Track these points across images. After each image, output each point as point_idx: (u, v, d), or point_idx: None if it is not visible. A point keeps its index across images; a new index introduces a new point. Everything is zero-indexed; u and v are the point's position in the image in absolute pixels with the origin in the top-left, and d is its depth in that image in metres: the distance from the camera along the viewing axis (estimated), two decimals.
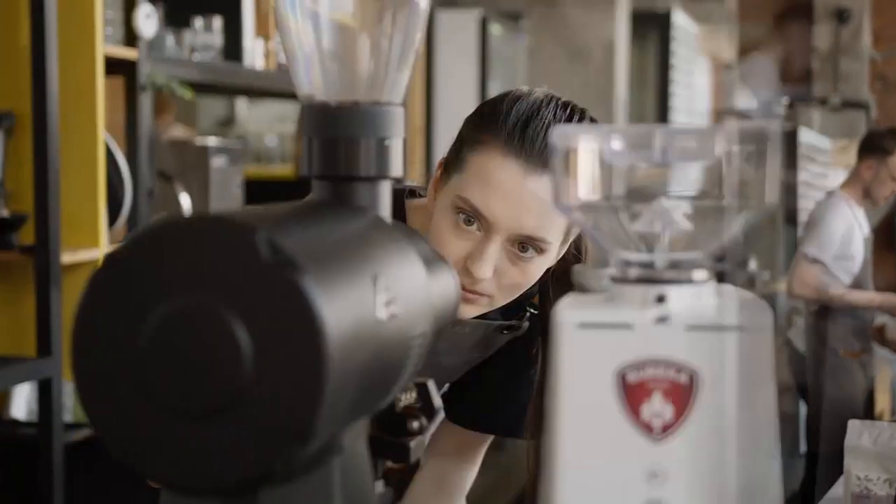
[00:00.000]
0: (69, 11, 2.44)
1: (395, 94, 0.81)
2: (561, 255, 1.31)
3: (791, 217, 7.03)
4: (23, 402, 2.81)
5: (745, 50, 9.95)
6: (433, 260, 0.86)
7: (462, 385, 1.47)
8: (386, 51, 0.80)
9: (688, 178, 0.73)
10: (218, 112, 5.52)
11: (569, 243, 1.32)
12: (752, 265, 5.23)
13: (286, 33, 0.80)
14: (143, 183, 2.62)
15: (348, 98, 0.79)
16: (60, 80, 2.38)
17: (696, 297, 0.70)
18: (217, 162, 3.02)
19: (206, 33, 2.95)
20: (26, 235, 2.38)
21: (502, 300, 1.28)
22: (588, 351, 0.68)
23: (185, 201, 2.83)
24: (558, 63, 5.57)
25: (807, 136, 6.94)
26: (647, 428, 0.68)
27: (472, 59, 5.79)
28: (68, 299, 2.36)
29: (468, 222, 1.22)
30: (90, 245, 2.47)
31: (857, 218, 4.34)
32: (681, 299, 0.69)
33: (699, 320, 0.68)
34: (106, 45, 2.54)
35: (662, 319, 0.68)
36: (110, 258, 0.64)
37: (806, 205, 7.17)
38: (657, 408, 0.68)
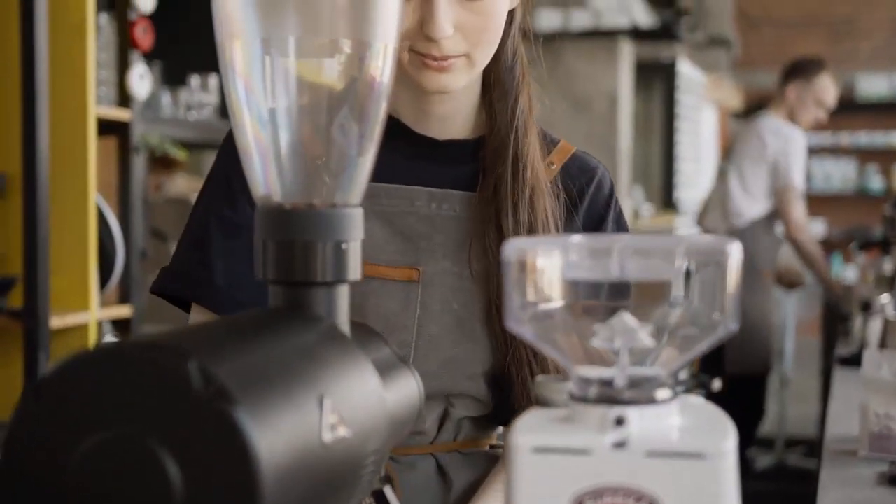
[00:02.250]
0: (61, 73, 2.43)
1: (354, 195, 0.78)
2: None
3: (668, 147, 7.09)
4: None
5: (750, 97, 9.98)
6: (392, 365, 0.83)
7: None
8: (344, 149, 0.78)
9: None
10: None
11: None
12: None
13: (240, 130, 0.77)
14: (135, 244, 2.60)
15: (305, 200, 0.76)
16: (52, 141, 2.37)
17: (658, 419, 0.66)
18: None
19: (202, 91, 2.94)
20: (15, 299, 2.36)
21: (482, 56, 1.21)
22: (543, 477, 0.65)
23: None
24: (562, 114, 5.56)
25: (684, 68, 6.93)
26: None
27: None
28: None
29: None
30: (80, 308, 2.45)
31: None
32: (642, 421, 0.66)
33: (660, 445, 0.64)
34: (99, 107, 2.53)
35: (621, 445, 0.65)
36: (39, 385, 0.61)
37: (681, 138, 7.22)
38: None
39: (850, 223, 9.93)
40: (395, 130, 1.26)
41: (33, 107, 2.33)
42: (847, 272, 8.59)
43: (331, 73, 0.77)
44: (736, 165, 4.53)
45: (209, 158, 5.18)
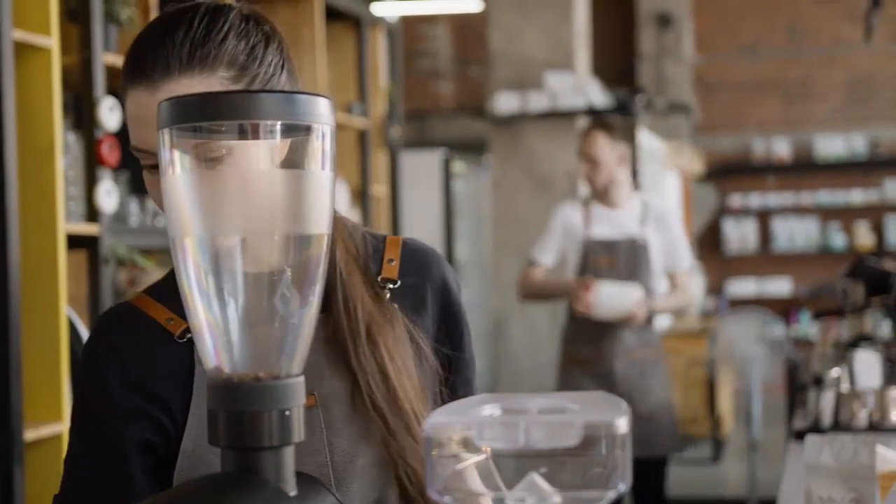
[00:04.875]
0: (31, 191, 2.53)
1: (296, 364, 0.87)
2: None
3: None
4: None
5: (712, 161, 10.19)
6: None
7: None
8: (285, 324, 0.87)
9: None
10: None
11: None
12: None
13: (192, 310, 0.87)
14: None
15: (251, 371, 0.86)
16: (23, 258, 2.46)
17: None
18: None
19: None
20: None
21: None
22: None
23: None
24: (524, 193, 5.70)
25: (644, 138, 7.04)
26: None
27: (436, 197, 5.96)
28: (32, 477, 2.40)
29: (154, 167, 1.19)
30: (53, 420, 2.52)
31: (587, 218, 4.18)
32: None
33: None
34: (68, 223, 2.62)
35: None
36: None
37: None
38: None
39: (815, 281, 10.10)
40: None
41: (4, 225, 2.42)
42: (812, 329, 8.71)
43: (272, 262, 0.86)
44: None
45: None
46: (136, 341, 1.25)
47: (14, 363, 2.43)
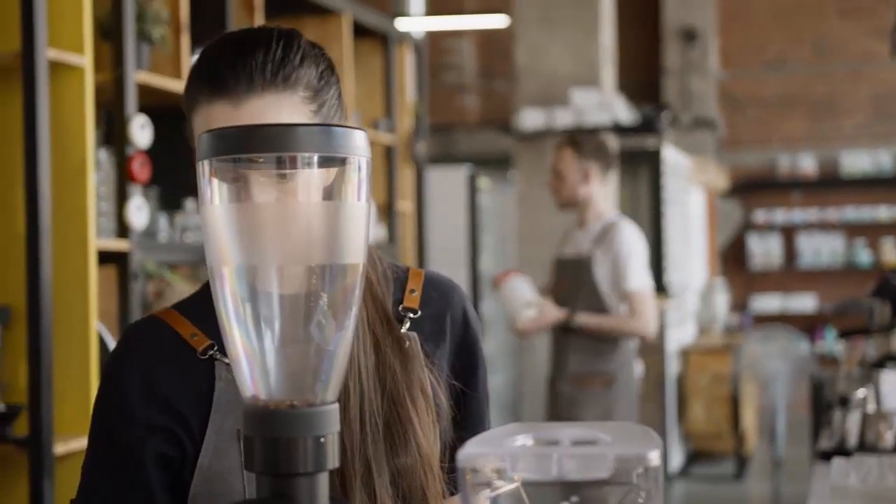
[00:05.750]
0: (63, 208, 2.56)
1: (331, 391, 0.89)
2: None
3: (657, 232, 7.05)
4: None
5: (737, 177, 10.17)
6: None
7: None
8: (321, 351, 0.89)
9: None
10: None
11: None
12: None
13: (229, 340, 0.88)
14: None
15: (287, 398, 0.87)
16: (55, 274, 2.49)
17: None
18: None
19: (198, 214, 3.07)
20: (20, 427, 2.46)
21: None
22: None
23: None
24: (549, 209, 5.69)
25: (669, 154, 7.05)
26: None
27: (462, 212, 5.98)
28: (61, 490, 2.43)
29: None
30: (83, 433, 2.54)
31: (565, 239, 4.27)
32: None
33: None
34: (99, 239, 2.65)
35: None
36: None
37: (670, 222, 7.23)
38: None
39: (841, 297, 10.05)
40: None
41: (37, 242, 2.46)
42: (837, 346, 8.68)
43: (307, 291, 0.88)
44: None
45: (205, 272, 5.32)
46: (160, 355, 1.27)
47: (45, 377, 2.45)
